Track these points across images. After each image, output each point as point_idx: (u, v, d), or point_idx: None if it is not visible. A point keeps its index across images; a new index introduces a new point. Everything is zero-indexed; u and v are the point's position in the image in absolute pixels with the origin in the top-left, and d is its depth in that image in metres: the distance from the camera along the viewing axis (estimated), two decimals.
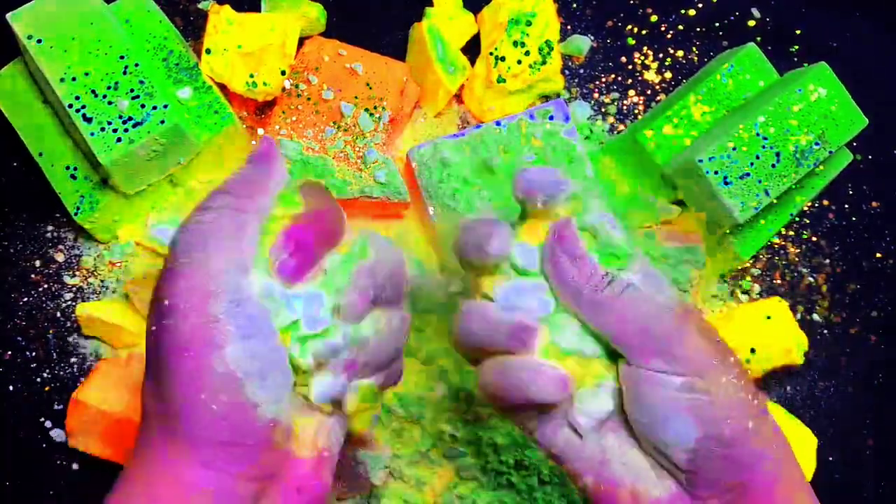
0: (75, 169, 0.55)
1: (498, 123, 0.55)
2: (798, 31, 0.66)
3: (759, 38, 0.65)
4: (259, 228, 0.35)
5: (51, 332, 0.57)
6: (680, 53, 0.65)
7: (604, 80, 0.64)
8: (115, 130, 0.51)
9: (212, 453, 0.32)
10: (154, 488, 0.33)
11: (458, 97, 0.62)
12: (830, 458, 0.61)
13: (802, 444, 0.57)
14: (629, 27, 0.65)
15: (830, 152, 0.55)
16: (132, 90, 0.52)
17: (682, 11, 0.66)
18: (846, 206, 0.65)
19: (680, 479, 0.36)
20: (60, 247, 0.59)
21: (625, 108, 0.64)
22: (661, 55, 0.65)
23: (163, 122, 0.52)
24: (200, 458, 0.32)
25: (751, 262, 0.62)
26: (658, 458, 0.36)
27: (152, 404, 0.33)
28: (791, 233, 0.64)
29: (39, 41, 0.51)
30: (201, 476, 0.32)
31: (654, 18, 0.66)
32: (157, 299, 0.33)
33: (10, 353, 0.57)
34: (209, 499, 0.32)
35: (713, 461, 0.35)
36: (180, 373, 0.32)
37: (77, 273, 0.58)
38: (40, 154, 0.55)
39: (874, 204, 0.65)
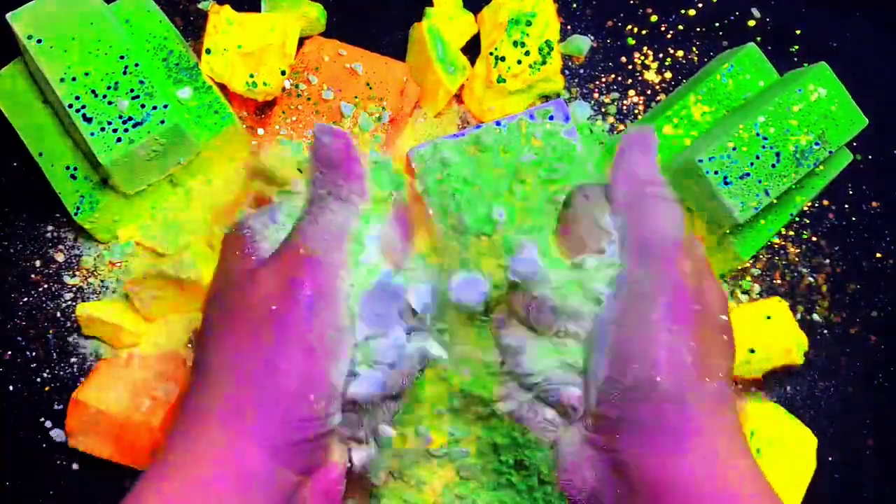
0: (75, 169, 0.55)
1: (498, 123, 0.55)
2: (798, 31, 0.67)
3: (759, 38, 0.65)
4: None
5: (51, 332, 0.58)
6: (680, 53, 0.65)
7: (604, 80, 0.64)
8: (115, 130, 0.51)
9: (279, 442, 0.32)
10: (205, 465, 0.32)
11: (458, 97, 0.62)
12: (830, 458, 0.61)
13: (802, 444, 0.57)
14: (629, 27, 0.65)
15: (830, 152, 0.55)
16: (132, 90, 0.52)
17: (682, 11, 0.66)
18: (846, 206, 0.65)
19: (588, 425, 0.35)
20: (60, 247, 0.59)
21: (625, 108, 0.64)
22: (661, 55, 0.65)
23: (163, 122, 0.52)
24: (270, 445, 0.32)
25: (751, 262, 0.62)
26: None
27: (233, 381, 0.33)
28: (791, 233, 0.64)
29: (39, 41, 0.51)
30: (261, 461, 0.32)
31: (654, 18, 0.66)
32: (287, 285, 0.34)
33: (10, 353, 0.57)
34: (261, 483, 0.32)
35: (613, 411, 0.33)
36: (295, 368, 0.32)
37: (77, 273, 0.58)
38: (40, 154, 0.55)
39: (874, 204, 0.65)
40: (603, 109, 0.64)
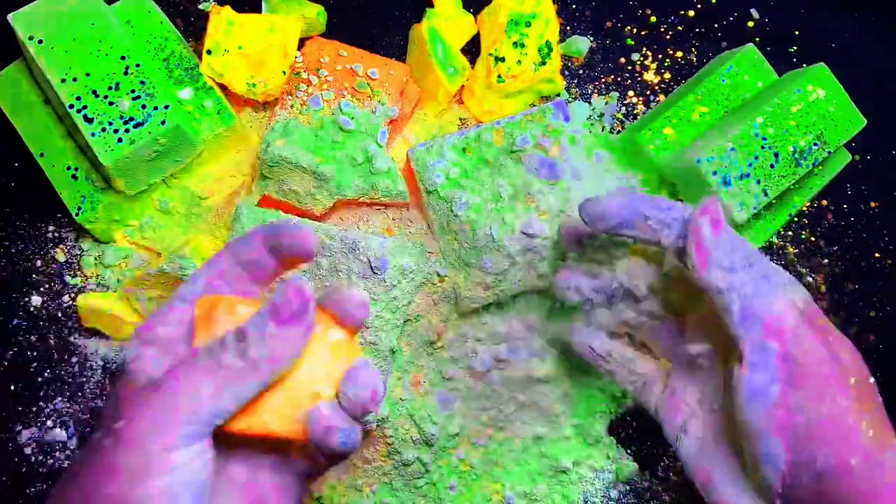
0: (76, 169, 0.55)
1: (498, 124, 0.55)
2: (797, 32, 0.67)
3: (757, 39, 0.66)
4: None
5: (51, 332, 0.58)
6: (679, 54, 0.65)
7: (603, 80, 0.65)
8: (116, 131, 0.51)
9: None
10: None
11: (459, 98, 0.62)
12: None
13: None
14: (628, 28, 0.65)
15: (829, 153, 0.55)
16: (133, 91, 0.52)
17: (682, 12, 0.66)
18: (845, 206, 0.65)
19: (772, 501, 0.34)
20: (61, 247, 0.59)
21: (625, 108, 0.64)
22: (660, 56, 0.65)
23: (164, 122, 0.52)
24: None
25: None
26: (754, 476, 0.35)
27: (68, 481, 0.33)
28: (790, 233, 0.64)
29: (40, 42, 0.51)
30: None
31: (653, 19, 0.66)
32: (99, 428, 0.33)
33: (10, 353, 0.57)
34: None
35: (802, 491, 0.33)
36: (95, 488, 0.32)
37: (78, 273, 0.58)
38: (41, 154, 0.55)
39: (873, 204, 0.65)
40: (602, 110, 0.64)
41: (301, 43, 0.59)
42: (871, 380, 0.35)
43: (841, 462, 0.32)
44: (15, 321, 0.57)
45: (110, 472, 0.31)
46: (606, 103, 0.64)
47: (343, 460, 0.36)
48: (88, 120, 0.51)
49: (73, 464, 0.33)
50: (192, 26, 0.62)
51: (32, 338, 0.57)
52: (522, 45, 0.59)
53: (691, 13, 0.66)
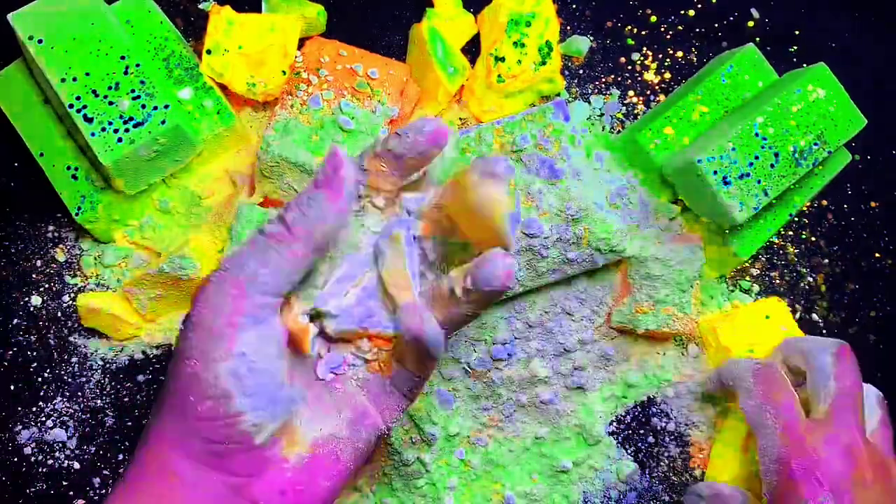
0: (76, 169, 0.55)
1: (498, 123, 0.55)
2: (797, 32, 0.67)
3: (758, 39, 0.66)
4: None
5: (51, 332, 0.58)
6: (679, 54, 0.65)
7: (604, 80, 0.64)
8: (115, 131, 0.51)
9: (195, 448, 0.35)
10: (146, 474, 0.36)
11: (459, 97, 0.62)
12: None
13: None
14: (629, 28, 0.65)
15: (829, 152, 0.55)
16: (133, 90, 0.52)
17: (682, 12, 0.66)
18: (845, 206, 0.65)
19: None
20: (61, 246, 0.59)
21: (625, 108, 0.64)
22: (660, 55, 0.65)
23: (164, 122, 0.52)
24: (185, 450, 0.35)
25: (750, 261, 0.63)
26: None
27: (159, 404, 0.37)
28: (790, 233, 0.64)
29: (40, 41, 0.51)
30: (183, 466, 0.35)
31: (653, 19, 0.66)
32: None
33: (10, 353, 0.57)
34: (190, 488, 0.35)
35: None
36: (178, 376, 0.35)
37: (77, 273, 0.58)
38: (41, 154, 0.55)
39: (873, 204, 0.65)
40: (602, 109, 0.64)
41: (301, 43, 0.59)
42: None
43: None
44: (15, 321, 0.57)
45: (186, 354, 0.35)
46: (606, 103, 0.64)
47: (431, 364, 0.38)
48: (88, 120, 0.51)
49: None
50: (192, 26, 0.62)
51: (32, 338, 0.57)
52: (522, 45, 0.59)
53: (691, 13, 0.66)
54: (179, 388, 0.35)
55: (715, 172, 0.53)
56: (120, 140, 0.51)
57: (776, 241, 0.64)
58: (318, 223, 0.36)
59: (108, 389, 0.57)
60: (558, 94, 0.62)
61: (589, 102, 0.64)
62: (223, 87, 0.58)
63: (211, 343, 0.35)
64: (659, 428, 0.60)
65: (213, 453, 0.36)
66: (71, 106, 0.51)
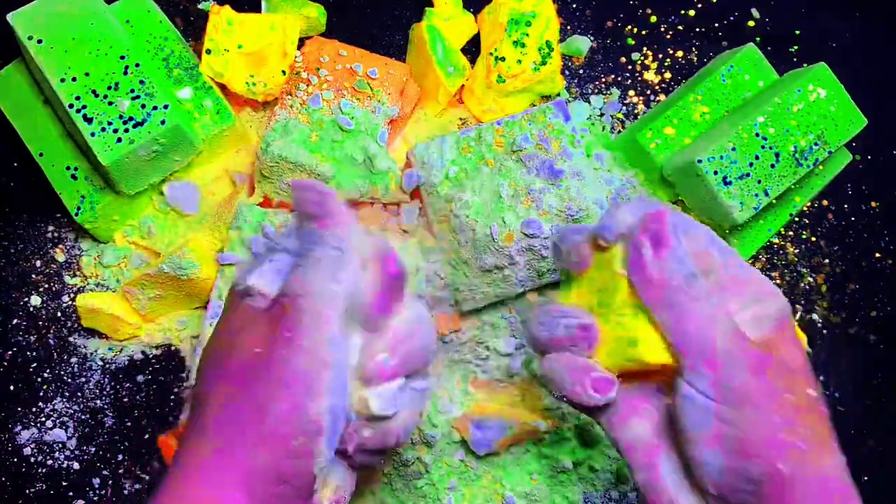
0: (76, 169, 0.55)
1: (498, 123, 0.55)
2: (797, 32, 0.67)
3: (758, 39, 0.65)
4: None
5: (51, 332, 0.58)
6: (680, 54, 0.65)
7: (604, 80, 0.64)
8: (115, 131, 0.51)
9: (262, 486, 0.33)
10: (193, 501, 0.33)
11: (459, 97, 0.62)
12: None
13: None
14: (629, 27, 0.65)
15: (830, 152, 0.55)
16: (133, 90, 0.52)
17: (682, 12, 0.66)
18: (846, 206, 0.65)
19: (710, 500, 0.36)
20: (61, 246, 0.59)
21: (625, 107, 0.64)
22: (660, 55, 0.65)
23: (163, 122, 0.52)
24: (249, 486, 0.33)
25: (750, 262, 0.63)
26: (692, 477, 0.37)
27: (222, 424, 0.34)
28: (791, 233, 0.64)
29: (40, 41, 0.51)
30: (240, 501, 0.33)
31: (653, 19, 0.66)
32: (273, 333, 0.34)
33: (10, 353, 0.57)
34: None
35: (739, 495, 0.35)
36: (275, 407, 0.33)
37: (77, 273, 0.58)
38: (41, 154, 0.55)
39: (873, 204, 0.65)
40: (602, 109, 0.64)
41: (301, 43, 0.59)
42: (815, 393, 0.37)
43: (772, 471, 0.34)
44: (14, 321, 0.57)
45: (284, 381, 0.33)
46: (606, 103, 0.64)
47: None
48: (88, 120, 0.51)
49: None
50: (192, 26, 0.62)
51: (32, 338, 0.57)
52: (522, 45, 0.59)
53: (692, 13, 0.66)
54: (264, 424, 0.33)
55: (715, 172, 0.53)
56: (119, 140, 0.51)
57: (776, 241, 0.63)
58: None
59: (107, 389, 0.57)
60: (558, 94, 0.62)
61: (589, 102, 0.64)
62: (223, 87, 0.57)
63: (314, 375, 0.33)
64: None
65: (279, 494, 0.34)
66: (71, 106, 0.51)
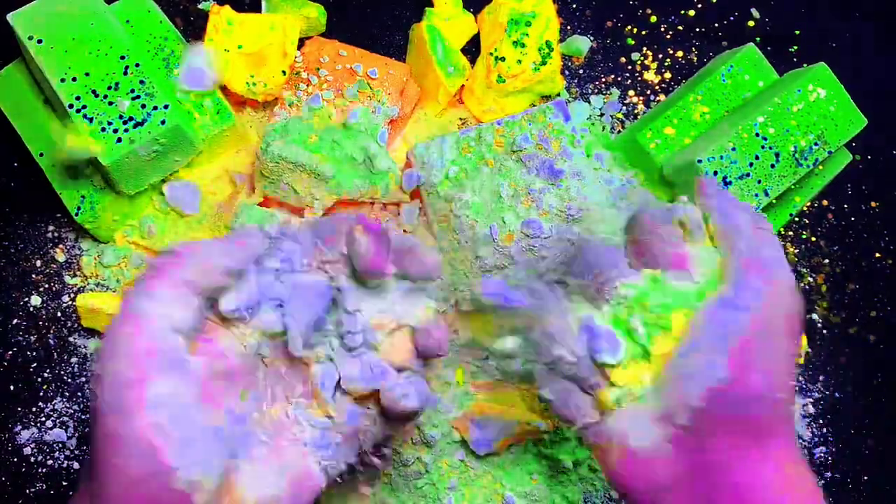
0: (76, 169, 0.55)
1: (498, 123, 0.55)
2: (797, 32, 0.67)
3: (758, 39, 0.66)
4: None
5: (51, 332, 0.58)
6: (680, 54, 0.65)
7: (604, 80, 0.64)
8: (115, 131, 0.51)
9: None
10: None
11: (459, 97, 0.62)
12: (830, 459, 0.61)
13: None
14: (629, 27, 0.65)
15: (830, 152, 0.55)
16: (133, 90, 0.52)
17: (682, 12, 0.66)
18: (846, 206, 0.65)
19: (681, 423, 0.35)
20: (61, 246, 0.59)
21: (625, 107, 0.64)
22: (660, 55, 0.65)
23: (163, 122, 0.52)
24: None
25: None
26: (666, 398, 0.36)
27: (85, 468, 0.34)
28: (790, 233, 0.64)
29: (40, 41, 0.51)
30: None
31: (653, 19, 0.66)
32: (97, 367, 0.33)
33: (10, 353, 0.57)
34: None
35: (719, 412, 0.34)
36: (98, 438, 0.32)
37: (77, 273, 0.58)
38: (41, 154, 0.55)
39: (873, 204, 0.65)
40: (603, 109, 0.64)
41: (301, 43, 0.59)
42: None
43: (767, 391, 0.35)
44: (15, 321, 0.57)
45: (100, 412, 0.32)
46: (606, 103, 0.64)
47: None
48: (88, 119, 0.51)
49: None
50: (192, 26, 0.62)
51: (32, 338, 0.57)
52: (522, 45, 0.59)
53: (691, 13, 0.66)
54: (101, 453, 0.32)
55: (715, 172, 0.53)
56: (119, 140, 0.51)
57: None
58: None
59: None
60: (558, 94, 0.62)
61: (589, 102, 0.64)
62: (223, 87, 0.57)
63: (121, 394, 0.32)
64: None
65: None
66: (71, 106, 0.51)
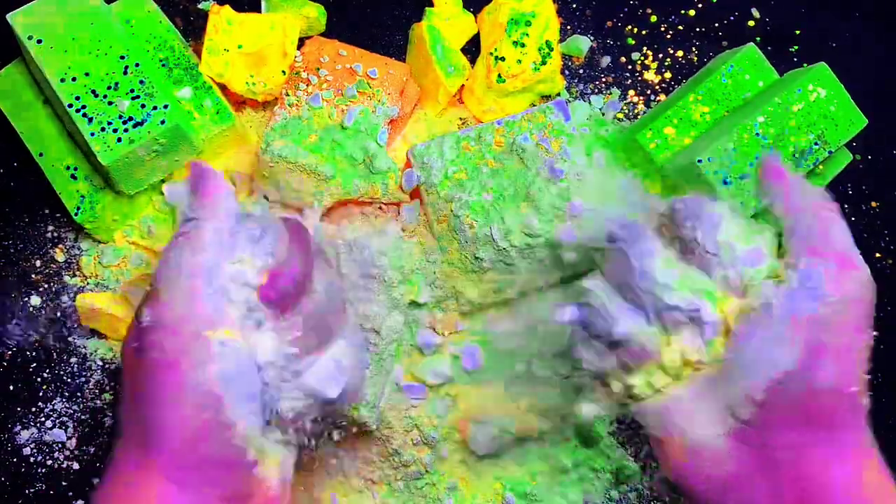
0: (76, 169, 0.55)
1: (498, 123, 0.55)
2: (798, 32, 0.67)
3: (758, 39, 0.65)
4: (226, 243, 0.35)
5: (51, 332, 0.58)
6: (680, 53, 0.65)
7: (604, 80, 0.64)
8: (115, 130, 0.51)
9: (188, 474, 0.32)
10: None
11: (459, 97, 0.62)
12: None
13: None
14: (629, 27, 0.65)
15: (830, 152, 0.55)
16: (132, 90, 0.52)
17: (682, 12, 0.66)
18: (846, 206, 0.65)
19: (743, 417, 0.34)
20: (61, 246, 0.59)
21: (625, 108, 0.64)
22: (660, 55, 0.65)
23: (163, 122, 0.52)
24: (176, 479, 0.32)
25: None
26: (727, 388, 0.34)
27: (130, 424, 0.33)
28: None
29: (39, 41, 0.51)
30: (175, 497, 0.32)
31: (653, 18, 0.66)
32: (139, 319, 0.33)
33: (10, 353, 0.57)
34: None
35: (784, 404, 0.33)
36: (163, 389, 0.32)
37: (77, 273, 0.58)
38: (41, 154, 0.55)
39: (874, 204, 0.65)
40: (603, 109, 0.64)
41: (301, 42, 0.59)
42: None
43: (838, 385, 0.33)
44: (14, 321, 0.57)
45: (157, 360, 0.32)
46: (606, 103, 0.64)
47: None
48: (88, 119, 0.51)
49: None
50: (192, 26, 0.62)
51: (31, 338, 0.57)
52: (522, 45, 0.59)
53: (692, 13, 0.66)
54: (157, 406, 0.32)
55: (715, 172, 0.53)
56: (119, 140, 0.51)
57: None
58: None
59: (107, 390, 0.57)
60: (558, 94, 0.62)
61: (589, 102, 0.64)
62: (223, 87, 0.57)
63: (189, 344, 0.32)
64: None
65: (212, 477, 0.33)
66: (70, 106, 0.51)
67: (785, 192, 0.37)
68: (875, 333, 0.36)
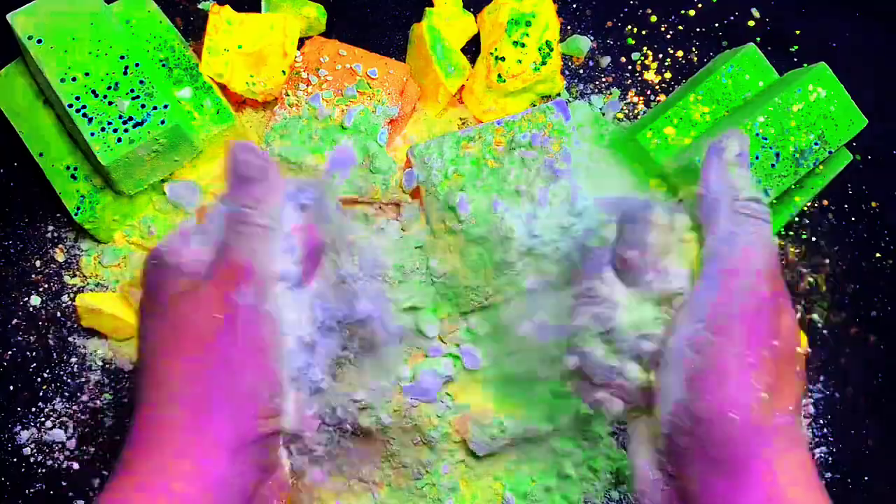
0: (76, 169, 0.55)
1: (498, 123, 0.55)
2: (798, 32, 0.67)
3: (758, 39, 0.65)
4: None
5: (51, 332, 0.57)
6: (680, 53, 0.65)
7: (604, 80, 0.64)
8: (115, 130, 0.51)
9: (239, 447, 0.34)
10: (174, 475, 0.33)
11: (459, 97, 0.62)
12: (830, 459, 0.61)
13: None
14: (629, 27, 0.65)
15: (830, 152, 0.55)
16: (132, 90, 0.52)
17: (682, 12, 0.66)
18: (846, 206, 0.65)
19: (659, 447, 0.34)
20: (60, 246, 0.59)
21: (625, 108, 0.64)
22: (660, 55, 0.65)
23: (163, 122, 0.52)
24: (229, 448, 0.33)
25: None
26: (651, 423, 0.36)
27: (190, 390, 0.34)
28: (791, 233, 0.64)
29: (39, 41, 0.51)
30: (226, 465, 0.33)
31: (653, 19, 0.66)
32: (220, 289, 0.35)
33: (9, 353, 0.57)
34: (227, 486, 0.33)
35: (682, 438, 0.33)
36: (246, 371, 0.34)
37: (77, 273, 0.58)
38: (41, 154, 0.55)
39: (873, 204, 0.65)
40: (603, 109, 0.64)
41: (301, 43, 0.59)
42: (800, 349, 0.34)
43: (719, 412, 0.32)
44: (14, 321, 0.57)
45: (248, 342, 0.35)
46: (606, 103, 0.64)
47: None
48: (88, 119, 0.51)
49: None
50: (192, 26, 0.62)
51: (31, 338, 0.57)
52: (523, 45, 0.59)
53: (692, 13, 0.66)
54: (239, 385, 0.34)
55: None
56: (119, 140, 0.51)
57: (777, 241, 0.63)
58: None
59: (107, 389, 0.57)
60: (558, 94, 0.62)
61: (589, 102, 0.64)
62: (223, 87, 0.57)
63: (277, 341, 0.35)
64: None
65: (256, 450, 0.35)
66: (70, 106, 0.51)
67: (705, 187, 0.37)
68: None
